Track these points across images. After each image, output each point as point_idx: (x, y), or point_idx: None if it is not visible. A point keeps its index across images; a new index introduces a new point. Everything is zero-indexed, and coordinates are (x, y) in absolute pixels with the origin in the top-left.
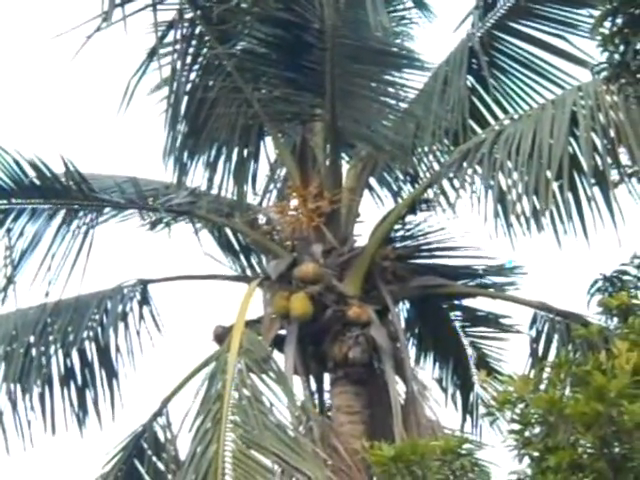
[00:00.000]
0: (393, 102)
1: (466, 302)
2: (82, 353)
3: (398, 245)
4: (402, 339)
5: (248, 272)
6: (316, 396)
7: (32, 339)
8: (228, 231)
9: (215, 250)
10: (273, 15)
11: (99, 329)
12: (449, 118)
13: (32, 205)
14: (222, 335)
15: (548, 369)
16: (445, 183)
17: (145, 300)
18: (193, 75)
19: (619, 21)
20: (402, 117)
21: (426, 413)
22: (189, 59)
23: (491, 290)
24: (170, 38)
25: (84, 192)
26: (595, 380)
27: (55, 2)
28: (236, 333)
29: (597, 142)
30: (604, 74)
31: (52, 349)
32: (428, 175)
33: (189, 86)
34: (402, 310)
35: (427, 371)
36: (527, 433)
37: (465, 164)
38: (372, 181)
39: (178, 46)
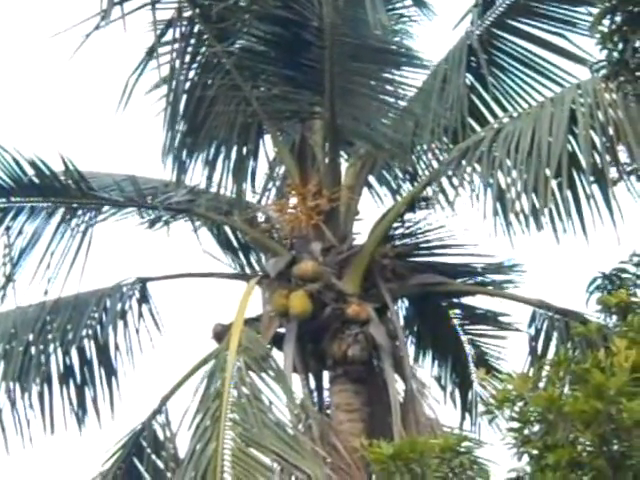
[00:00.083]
0: (392, 100)
1: (465, 300)
2: (81, 351)
3: (397, 243)
4: (401, 337)
5: (247, 270)
6: (315, 394)
7: (31, 337)
8: (227, 229)
9: (214, 248)
10: (272, 13)
11: (98, 327)
12: (448, 116)
13: (31, 203)
14: (221, 333)
15: (547, 367)
16: (444, 181)
17: (144, 298)
18: (192, 73)
19: (618, 19)
20: (401, 115)
21: (425, 411)
22: (188, 57)
23: (490, 288)
24: (169, 36)
25: (83, 190)
26: (594, 378)
27: (53, 1)
28: (235, 331)
29: (596, 140)
30: (603, 72)
31: (51, 347)
32: (427, 173)
33: (188, 84)
34: (401, 308)
35: (426, 369)
36: (526, 431)
37: (464, 162)
38: (371, 179)
39: (177, 44)
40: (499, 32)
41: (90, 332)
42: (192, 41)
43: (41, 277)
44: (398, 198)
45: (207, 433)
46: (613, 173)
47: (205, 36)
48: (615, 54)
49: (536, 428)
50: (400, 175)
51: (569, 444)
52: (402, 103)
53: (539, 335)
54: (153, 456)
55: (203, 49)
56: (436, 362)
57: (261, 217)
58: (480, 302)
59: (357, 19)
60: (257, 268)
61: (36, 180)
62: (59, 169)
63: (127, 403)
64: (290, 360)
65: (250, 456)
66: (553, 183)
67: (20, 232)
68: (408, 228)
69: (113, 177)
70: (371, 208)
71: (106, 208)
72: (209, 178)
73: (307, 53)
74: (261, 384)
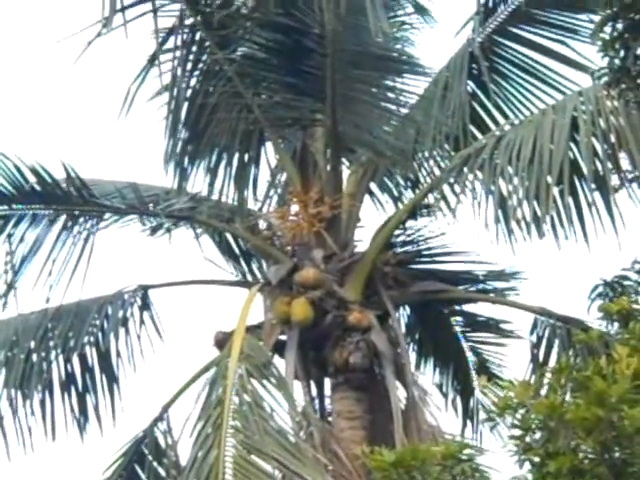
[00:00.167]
0: (394, 107)
1: (467, 307)
2: (83, 358)
3: (399, 250)
4: (403, 344)
5: (249, 277)
6: (317, 401)
7: (33, 344)
8: (229, 236)
9: (216, 255)
10: (273, 20)
11: (100, 334)
12: (450, 123)
13: (33, 211)
14: (223, 340)
15: (548, 374)
16: (446, 188)
17: (146, 305)
18: (194, 81)
19: (619, 26)
20: (403, 122)
21: (427, 418)
22: (189, 65)
23: (492, 295)
24: (170, 44)
25: (85, 198)
26: (596, 385)
27: (56, 8)
28: (237, 338)
29: (598, 147)
30: (605, 79)
31: (53, 354)
32: (429, 180)
33: (190, 92)
34: (403, 315)
35: (427, 376)
36: (528, 438)
37: (466, 169)
38: (373, 186)
39: (178, 52)
40: (500, 39)
41: (92, 339)
42: (194, 48)
43: (43, 284)
44: (400, 205)
45: (209, 440)
46: (615, 180)
47: (207, 43)
48: (617, 61)
49: (537, 435)
50: (402, 182)
51: (570, 451)
52: (403, 110)
53: (541, 342)
54: (154, 463)
55: (205, 57)
56: (437, 369)
57: (263, 224)
58: (482, 309)
59: (359, 26)
60: (259, 275)
61: (38, 187)
62: (61, 176)
63: (128, 410)
64: (292, 367)
65: (251, 463)
66: (555, 190)
67: (22, 239)
68: (410, 235)
69: (115, 184)
70: (373, 215)
71: (108, 215)
72: (211, 185)
73: (309, 60)
74: (263, 391)
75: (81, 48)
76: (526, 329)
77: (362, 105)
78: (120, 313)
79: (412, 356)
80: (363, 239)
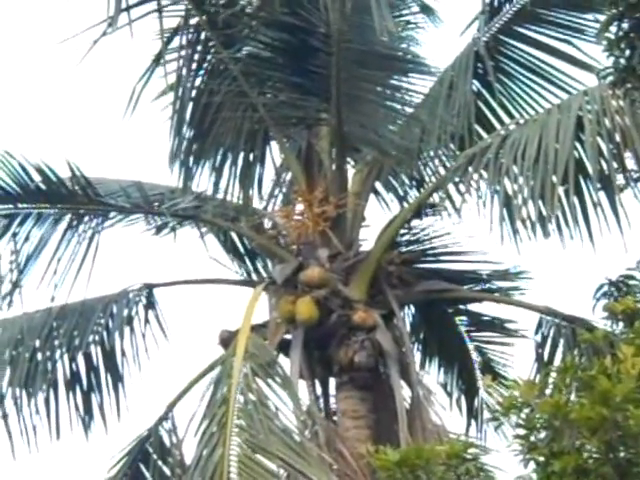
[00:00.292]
0: (399, 107)
1: (471, 307)
2: (88, 357)
3: (404, 249)
4: (407, 344)
5: (254, 276)
6: (321, 400)
7: (38, 343)
8: (234, 235)
9: (221, 254)
10: (279, 19)
11: (105, 333)
12: (455, 123)
13: (38, 210)
14: (228, 339)
15: (553, 374)
16: (451, 188)
17: (151, 304)
18: (199, 80)
19: (625, 26)
20: (408, 122)
21: (431, 418)
22: (195, 64)
23: (496, 295)
24: (176, 43)
25: (90, 196)
26: (600, 385)
27: (61, 7)
28: (242, 337)
29: (603, 147)
30: (610, 79)
31: (58, 353)
32: (434, 180)
33: (195, 91)
34: (407, 315)
35: (432, 376)
36: (532, 438)
37: (471, 169)
38: (378, 185)
39: (184, 51)
40: (506, 39)
41: (97, 338)
42: (199, 48)
43: (48, 283)
44: (405, 205)
45: (213, 439)
46: (620, 180)
47: (212, 43)
48: (622, 61)
49: (542, 435)
50: (407, 182)
51: (575, 451)
52: (409, 110)
53: (545, 342)
54: (159, 462)
55: (210, 56)
56: (442, 369)
57: (268, 223)
58: (486, 309)
59: (364, 26)
60: (264, 274)
61: (43, 186)
62: (66, 175)
63: (133, 409)
64: (296, 366)
65: (256, 462)
66: (560, 190)
67: (27, 238)
68: (415, 235)
69: (120, 183)
70: (378, 215)
71: (113, 214)
72: (216, 184)
73: (314, 59)
74: (267, 390)
75: (86, 47)
76: (531, 328)
77: (367, 104)
78: (125, 312)
79: (417, 355)
80: (368, 238)
